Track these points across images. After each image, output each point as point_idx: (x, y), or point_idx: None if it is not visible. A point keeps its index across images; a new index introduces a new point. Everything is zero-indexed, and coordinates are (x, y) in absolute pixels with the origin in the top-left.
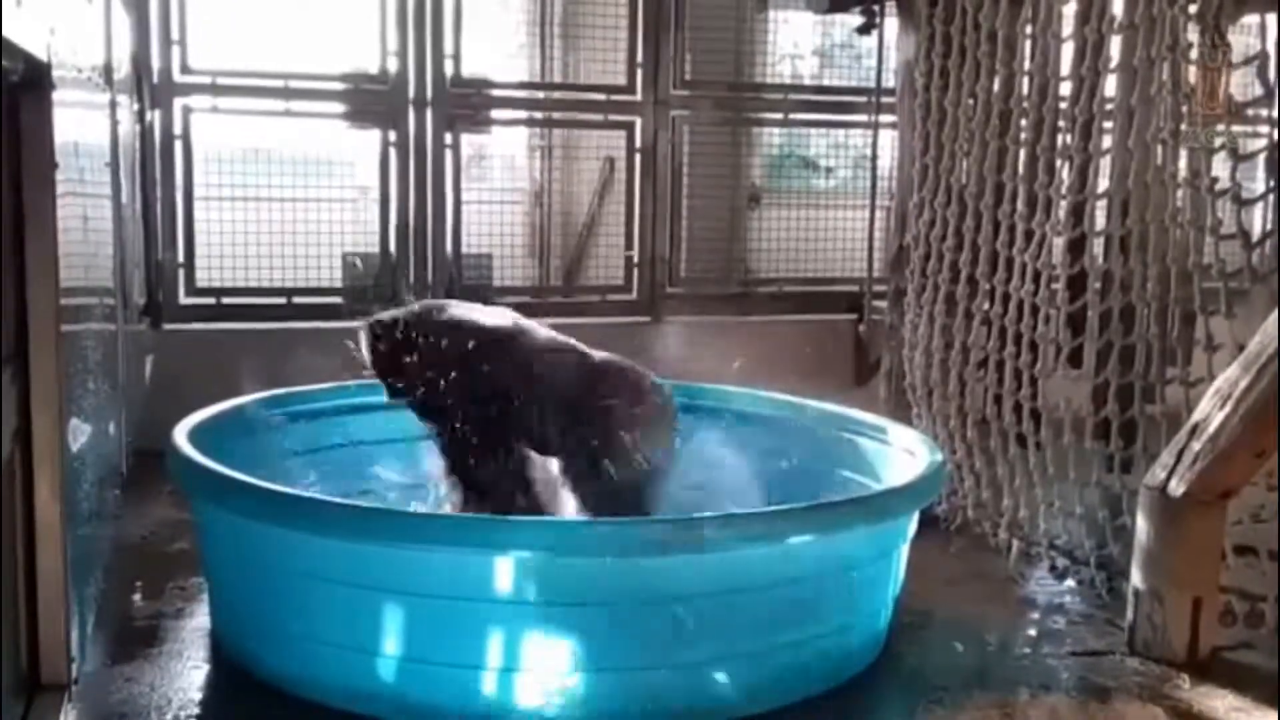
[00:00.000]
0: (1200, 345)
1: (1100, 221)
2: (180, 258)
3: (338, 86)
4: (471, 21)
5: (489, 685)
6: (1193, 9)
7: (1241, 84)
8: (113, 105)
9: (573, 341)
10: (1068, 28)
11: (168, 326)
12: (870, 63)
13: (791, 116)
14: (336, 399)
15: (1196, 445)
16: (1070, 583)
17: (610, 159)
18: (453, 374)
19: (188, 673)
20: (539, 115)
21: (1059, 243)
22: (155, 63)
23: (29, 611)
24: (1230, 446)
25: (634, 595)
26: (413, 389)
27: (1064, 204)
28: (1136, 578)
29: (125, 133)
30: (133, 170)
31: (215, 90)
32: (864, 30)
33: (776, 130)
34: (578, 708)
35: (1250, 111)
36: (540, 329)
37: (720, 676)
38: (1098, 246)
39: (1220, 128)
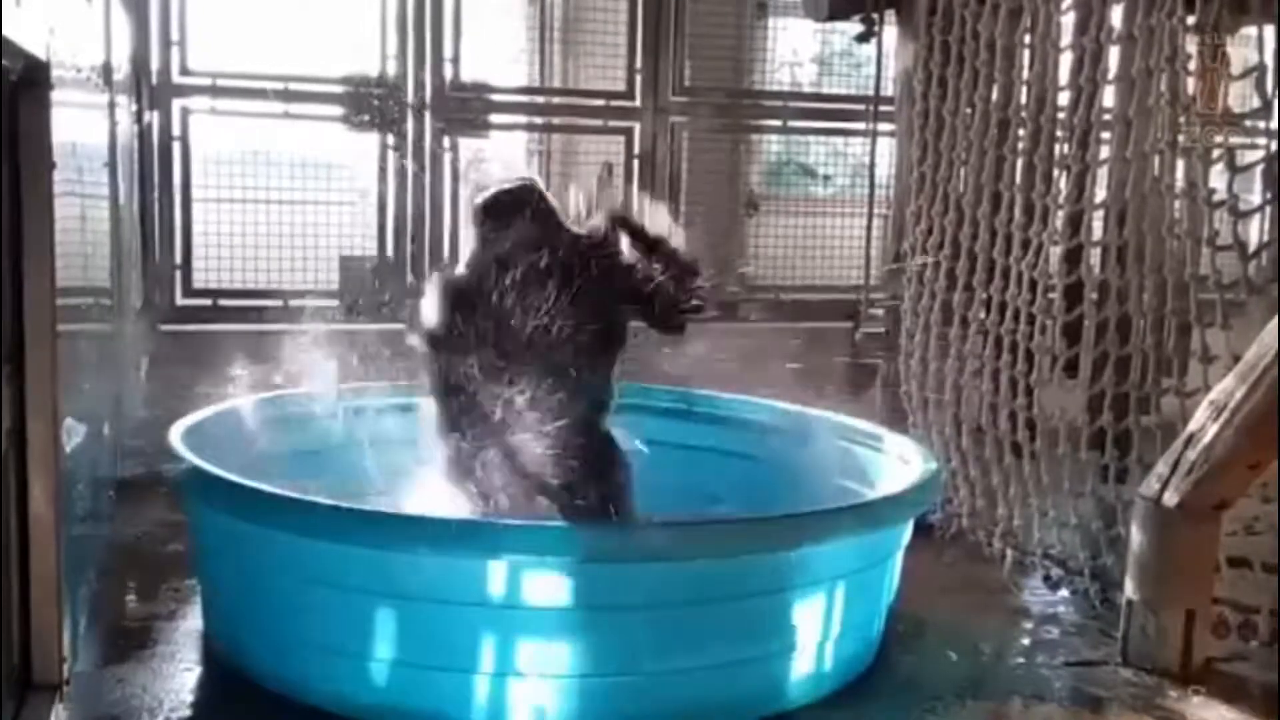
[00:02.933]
0: (1196, 356)
1: (1097, 231)
2: (177, 259)
3: (337, 89)
4: (471, 26)
5: (480, 690)
6: (1191, 20)
7: (1240, 95)
8: (111, 106)
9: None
10: (1066, 38)
11: (164, 327)
12: (869, 71)
13: (790, 124)
14: (333, 402)
15: (1191, 456)
16: (1064, 593)
17: (609, 165)
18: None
19: (180, 674)
20: (538, 120)
21: (1056, 252)
22: (154, 64)
23: (22, 611)
24: (1225, 458)
25: (629, 601)
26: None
27: (1061, 214)
28: (1130, 588)
29: (123, 133)
30: (131, 171)
31: (214, 92)
32: (863, 38)
33: (775, 137)
34: (570, 713)
35: (1248, 122)
36: None
37: (710, 684)
38: (1095, 256)
39: (1219, 138)
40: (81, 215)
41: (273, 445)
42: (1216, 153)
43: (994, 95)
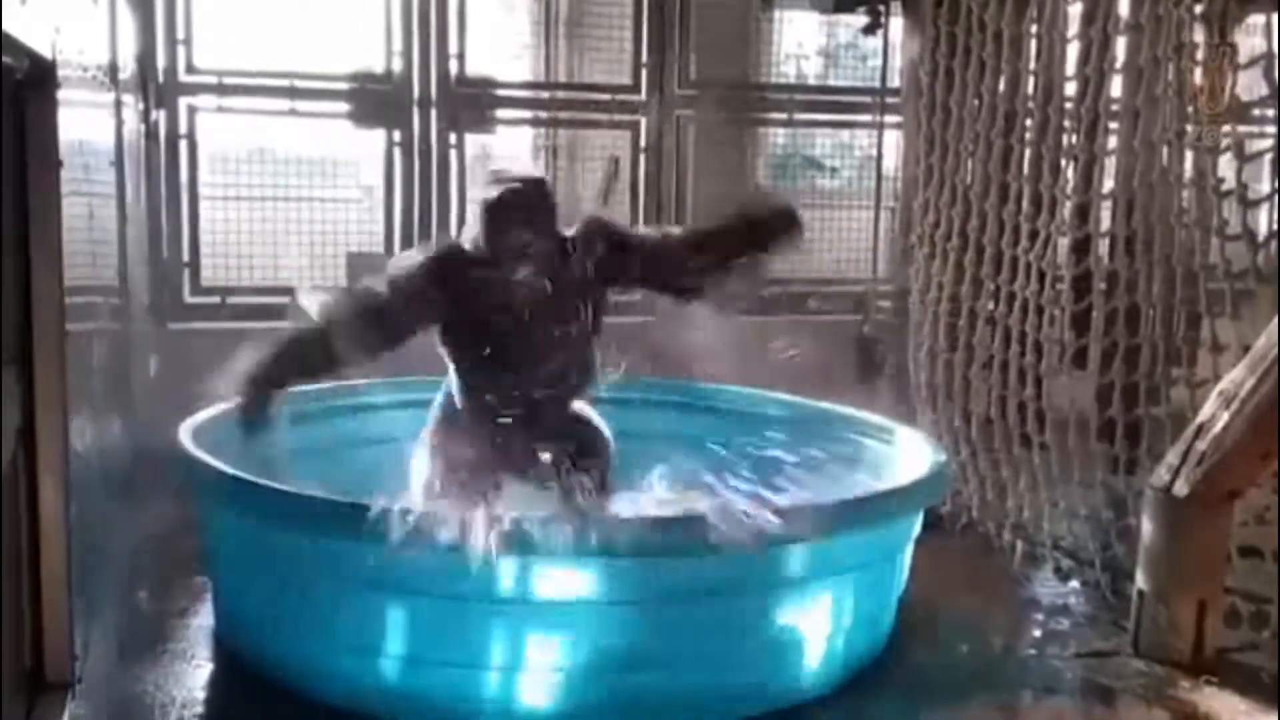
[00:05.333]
0: (1205, 346)
1: (1105, 222)
2: (185, 257)
3: (342, 86)
4: (476, 21)
5: (492, 685)
6: (1198, 9)
7: (1247, 84)
8: (118, 104)
9: None
10: (1073, 28)
11: (173, 325)
12: (875, 63)
13: (796, 117)
14: (341, 398)
15: (1201, 446)
16: (1075, 584)
17: (615, 159)
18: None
19: (192, 672)
20: (543, 115)
21: (1064, 243)
22: (161, 62)
23: (33, 610)
24: (1235, 448)
25: (638, 595)
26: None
27: (1069, 204)
28: (1141, 579)
29: (130, 132)
30: (138, 169)
31: (220, 90)
32: (869, 30)
33: (781, 130)
34: (575, 707)
35: (1255, 111)
36: None
37: (723, 676)
38: (1103, 247)
39: (1226, 129)
40: (89, 214)
41: (284, 442)
42: (1224, 142)
43: (1001, 86)
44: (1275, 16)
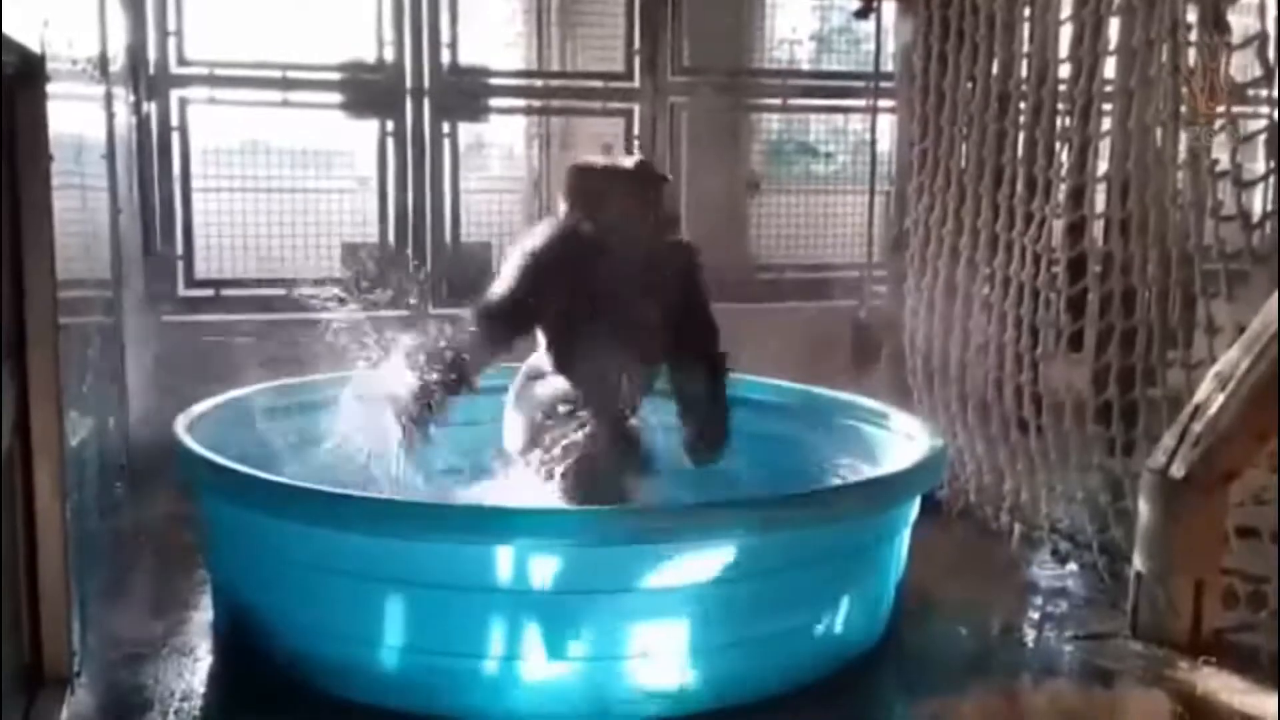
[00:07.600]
0: (1201, 328)
1: (1100, 204)
2: (179, 249)
3: (335, 77)
4: (468, 10)
5: (492, 676)
6: None
7: (1242, 65)
8: (108, 97)
9: None
10: (1066, 9)
11: (167, 318)
12: (868, 47)
13: (790, 102)
14: (338, 389)
15: (1198, 428)
16: (1072, 567)
17: (607, 145)
18: None
19: (191, 666)
20: (537, 103)
21: (1059, 226)
22: (151, 54)
23: (30, 606)
24: (1231, 429)
25: (639, 585)
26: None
27: (1064, 187)
28: (1138, 561)
29: (121, 125)
30: (130, 162)
31: (212, 81)
32: (862, 15)
33: (775, 116)
34: (585, 695)
35: (1250, 92)
36: None
37: (725, 663)
38: (1098, 229)
39: (1220, 123)
40: (81, 207)
41: (279, 434)
42: (1219, 124)
43: (994, 69)
44: None
